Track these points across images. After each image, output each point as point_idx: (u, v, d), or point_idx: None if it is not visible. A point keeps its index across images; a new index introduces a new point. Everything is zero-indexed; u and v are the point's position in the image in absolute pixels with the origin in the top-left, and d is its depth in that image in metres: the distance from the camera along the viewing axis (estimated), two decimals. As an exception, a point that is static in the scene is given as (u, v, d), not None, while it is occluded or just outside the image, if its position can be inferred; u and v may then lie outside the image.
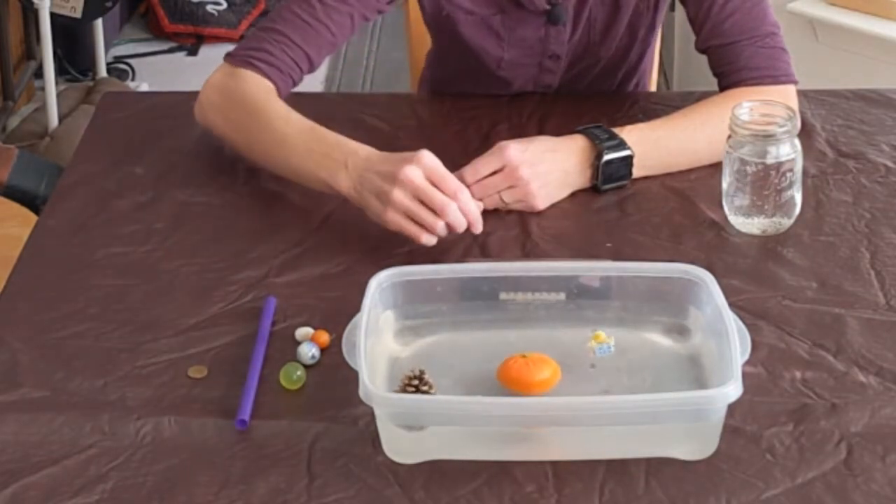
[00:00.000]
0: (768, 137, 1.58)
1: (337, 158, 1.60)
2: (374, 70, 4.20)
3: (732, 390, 1.23)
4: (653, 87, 2.14)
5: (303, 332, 1.44)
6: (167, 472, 1.27)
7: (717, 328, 1.33)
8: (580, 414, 1.26)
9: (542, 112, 1.89)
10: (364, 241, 1.59)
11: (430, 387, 1.29)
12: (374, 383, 1.25)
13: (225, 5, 4.29)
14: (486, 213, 1.65)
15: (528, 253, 1.59)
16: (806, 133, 1.76)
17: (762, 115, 1.59)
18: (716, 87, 1.82)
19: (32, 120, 3.53)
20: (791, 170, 1.59)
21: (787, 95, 1.75)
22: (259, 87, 1.73)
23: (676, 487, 1.24)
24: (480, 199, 1.65)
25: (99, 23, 3.74)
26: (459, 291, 1.42)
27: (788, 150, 1.58)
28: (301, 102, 1.72)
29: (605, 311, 1.42)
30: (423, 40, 2.12)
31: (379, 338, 1.38)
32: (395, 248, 1.57)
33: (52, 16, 3.46)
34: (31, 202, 2.76)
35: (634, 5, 1.86)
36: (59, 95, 3.50)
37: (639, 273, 1.43)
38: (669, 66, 3.63)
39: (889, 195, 1.70)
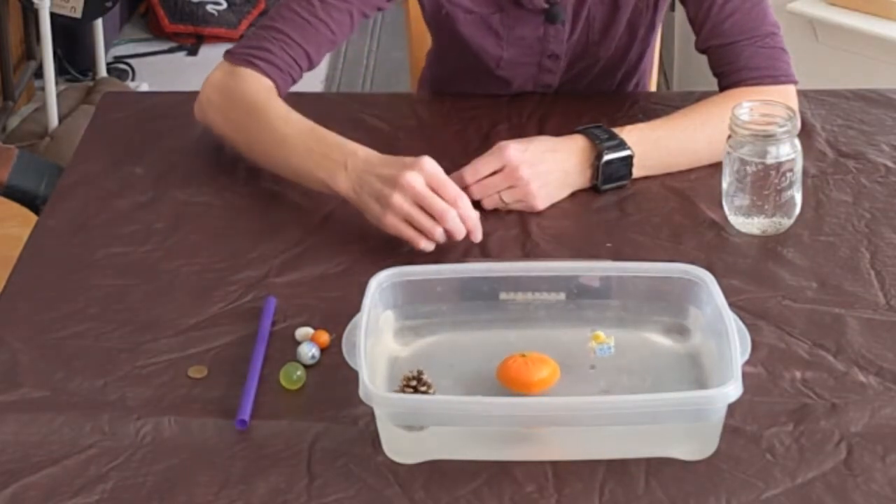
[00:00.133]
0: (768, 137, 1.58)
1: (336, 159, 1.60)
2: (374, 70, 4.20)
3: (732, 390, 1.23)
4: (653, 87, 2.14)
5: (303, 332, 1.44)
6: (167, 472, 1.27)
7: (717, 328, 1.33)
8: (580, 414, 1.26)
9: (542, 112, 1.89)
10: (364, 241, 1.59)
11: (429, 387, 1.29)
12: (374, 383, 1.25)
13: (225, 5, 4.29)
14: (486, 213, 1.65)
15: (528, 253, 1.59)
16: (806, 133, 1.76)
17: (762, 115, 1.60)
18: (716, 87, 1.82)
19: (32, 120, 3.53)
20: (791, 170, 1.59)
21: (787, 95, 1.75)
22: (259, 86, 1.73)
23: (676, 487, 1.24)
24: (480, 199, 1.65)
25: (99, 23, 3.74)
26: (459, 291, 1.42)
27: (788, 150, 1.58)
28: (301, 102, 1.72)
29: (604, 311, 1.42)
30: (424, 40, 2.12)
31: (379, 338, 1.38)
32: (395, 248, 1.57)
33: (52, 16, 3.46)
34: (31, 202, 2.76)
35: (633, 5, 1.86)
36: (59, 95, 3.50)
37: (639, 273, 1.43)
38: (669, 66, 3.63)
39: (889, 195, 1.70)
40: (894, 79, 2.76)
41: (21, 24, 3.81)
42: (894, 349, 1.42)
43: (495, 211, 1.65)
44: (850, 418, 1.32)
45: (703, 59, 1.84)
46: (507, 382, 1.33)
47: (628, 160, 1.69)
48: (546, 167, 1.65)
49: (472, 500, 1.23)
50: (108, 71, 3.91)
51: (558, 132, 1.72)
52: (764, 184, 1.58)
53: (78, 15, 3.58)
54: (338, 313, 1.43)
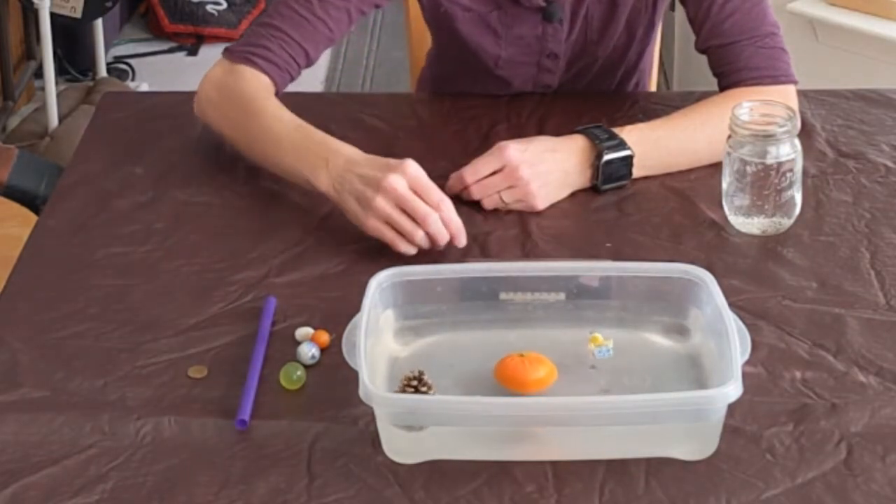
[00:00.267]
0: (768, 137, 1.58)
1: (319, 155, 1.60)
2: (374, 70, 4.20)
3: (732, 390, 1.23)
4: (653, 87, 2.14)
5: (303, 332, 1.44)
6: (167, 472, 1.27)
7: (717, 328, 1.33)
8: (580, 414, 1.26)
9: (542, 112, 1.89)
10: (364, 241, 1.59)
11: (429, 388, 1.29)
12: (373, 383, 1.25)
13: (225, 5, 4.29)
14: (486, 213, 1.65)
15: (527, 253, 1.59)
16: (806, 133, 1.76)
17: (762, 115, 1.60)
18: (716, 87, 1.82)
19: (32, 120, 3.53)
20: (791, 170, 1.59)
21: (787, 95, 1.75)
22: (256, 84, 1.74)
23: (676, 487, 1.24)
24: (480, 199, 1.65)
25: (99, 23, 3.74)
26: (459, 291, 1.42)
27: (788, 150, 1.58)
28: (301, 102, 1.72)
29: (604, 311, 1.42)
30: (424, 39, 2.12)
31: (379, 338, 1.38)
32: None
33: (52, 16, 3.46)
34: (31, 202, 2.76)
35: (632, 4, 1.86)
36: (59, 95, 3.50)
37: (639, 273, 1.43)
38: (669, 66, 3.63)
39: (889, 195, 1.70)
40: (894, 79, 2.77)
41: (21, 24, 3.81)
42: (894, 349, 1.42)
43: (495, 211, 1.65)
44: (850, 418, 1.32)
45: (703, 59, 1.84)
46: (504, 381, 1.33)
47: (628, 160, 1.69)
48: (546, 167, 1.65)
49: (472, 500, 1.23)
50: (108, 71, 3.91)
51: (558, 132, 1.72)
52: (764, 184, 1.58)
53: (78, 15, 3.58)
54: (338, 313, 1.43)
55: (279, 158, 1.66)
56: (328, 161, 1.59)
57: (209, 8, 4.27)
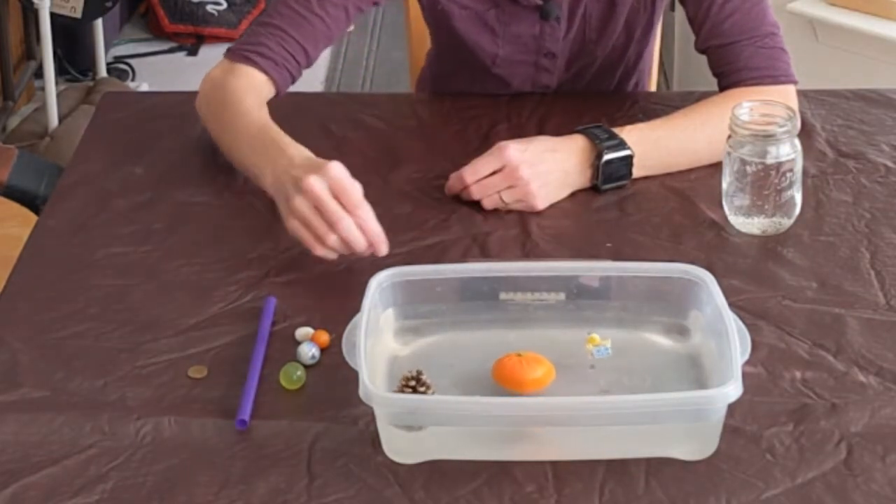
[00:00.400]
0: (768, 137, 1.58)
1: (268, 156, 1.60)
2: (374, 70, 4.20)
3: (732, 390, 1.23)
4: (653, 87, 2.14)
5: (303, 332, 1.44)
6: (167, 472, 1.27)
7: (717, 328, 1.33)
8: (580, 414, 1.26)
9: (542, 112, 1.89)
10: (364, 241, 1.59)
11: (428, 388, 1.29)
12: (373, 383, 1.25)
13: (225, 5, 4.29)
14: (486, 213, 1.65)
15: (527, 253, 1.59)
16: (806, 133, 1.76)
17: (762, 115, 1.59)
18: (716, 87, 1.82)
19: (32, 120, 3.53)
20: (791, 170, 1.59)
21: (786, 95, 1.75)
22: (246, 83, 1.73)
23: (676, 487, 1.24)
24: (480, 199, 1.65)
25: (99, 23, 3.75)
26: (459, 291, 1.42)
27: (788, 150, 1.58)
28: (301, 102, 1.73)
29: (604, 311, 1.42)
30: (423, 39, 2.12)
31: (379, 338, 1.38)
32: (396, 248, 1.56)
33: (52, 16, 3.46)
34: (31, 202, 2.76)
35: (631, 3, 1.86)
36: (59, 95, 3.51)
37: (639, 273, 1.43)
38: (669, 66, 3.63)
39: (889, 195, 1.70)
40: (894, 79, 2.76)
41: (21, 24, 3.81)
42: (894, 349, 1.42)
43: (495, 211, 1.65)
44: (850, 418, 1.32)
45: (703, 59, 1.84)
46: (501, 381, 1.33)
47: (628, 160, 1.69)
48: (546, 167, 1.65)
49: (472, 500, 1.23)
50: (108, 71, 3.91)
51: (558, 132, 1.72)
52: (764, 184, 1.58)
53: (78, 15, 3.58)
54: (338, 313, 1.43)
55: (242, 156, 1.66)
56: (274, 161, 1.58)
57: (209, 8, 4.27)
